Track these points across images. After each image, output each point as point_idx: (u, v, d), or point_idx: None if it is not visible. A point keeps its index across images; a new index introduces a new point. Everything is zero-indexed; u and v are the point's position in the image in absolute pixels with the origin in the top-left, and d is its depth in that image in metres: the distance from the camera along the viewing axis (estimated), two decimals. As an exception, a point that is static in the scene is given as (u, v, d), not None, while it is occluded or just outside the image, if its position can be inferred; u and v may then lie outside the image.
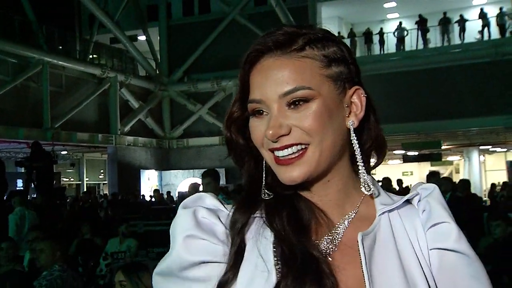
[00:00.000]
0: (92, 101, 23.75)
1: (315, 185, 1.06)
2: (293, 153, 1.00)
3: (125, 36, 22.88)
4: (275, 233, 1.00)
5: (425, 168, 26.08)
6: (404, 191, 13.08)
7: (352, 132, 1.05)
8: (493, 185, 19.70)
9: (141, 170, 24.78)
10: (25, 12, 21.73)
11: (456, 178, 19.72)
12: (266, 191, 1.08)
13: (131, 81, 24.81)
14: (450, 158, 29.75)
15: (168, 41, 26.76)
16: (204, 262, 1.02)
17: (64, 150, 24.20)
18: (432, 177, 10.39)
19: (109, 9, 22.99)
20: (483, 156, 28.95)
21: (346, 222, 1.05)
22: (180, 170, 25.04)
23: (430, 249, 1.04)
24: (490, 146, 27.76)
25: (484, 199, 19.15)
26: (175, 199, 20.13)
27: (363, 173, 1.06)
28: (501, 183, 20.59)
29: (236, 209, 1.07)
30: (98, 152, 26.15)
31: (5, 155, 18.76)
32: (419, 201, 1.10)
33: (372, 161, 1.16)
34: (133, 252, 7.31)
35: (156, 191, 20.01)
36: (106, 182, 27.22)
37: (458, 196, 9.54)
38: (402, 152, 25.56)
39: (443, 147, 24.94)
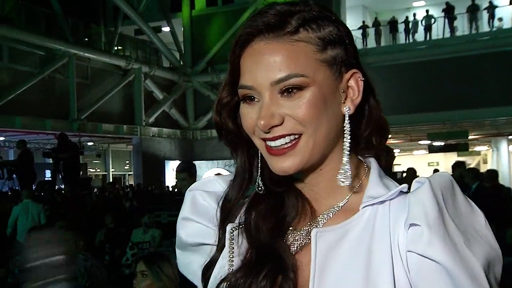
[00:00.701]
0: (117, 93, 23.94)
1: (307, 174, 1.03)
2: (286, 143, 0.97)
3: (149, 27, 23.00)
4: (246, 227, 1.02)
5: (452, 158, 25.78)
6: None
7: (346, 118, 1.00)
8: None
9: (165, 161, 24.94)
10: (51, 4, 21.88)
11: (483, 169, 19.59)
12: (260, 182, 1.06)
13: (155, 73, 24.94)
14: (477, 148, 29.45)
15: (192, 32, 26.81)
16: (199, 244, 1.09)
17: (90, 141, 24.52)
18: (457, 167, 10.32)
19: (133, 1, 23.08)
20: (512, 146, 28.68)
21: (330, 214, 1.03)
22: (204, 161, 25.12)
23: (407, 251, 0.95)
24: (518, 136, 27.34)
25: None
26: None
27: (346, 164, 0.99)
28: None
29: (227, 193, 1.09)
30: (123, 143, 26.43)
31: (33, 146, 19.03)
32: (411, 192, 1.00)
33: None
34: (157, 242, 7.38)
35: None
36: (131, 173, 27.52)
37: (485, 187, 9.43)
38: (428, 142, 25.36)
39: (470, 137, 24.68)
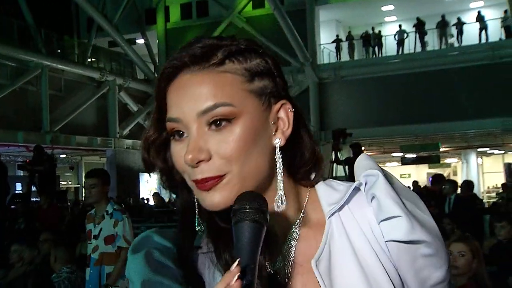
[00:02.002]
0: (91, 105, 23.84)
1: None
2: (213, 179, 0.92)
3: (123, 39, 22.97)
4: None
5: (423, 170, 26.26)
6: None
7: (277, 151, 0.96)
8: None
9: (140, 173, 24.82)
10: (23, 16, 21.78)
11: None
12: (200, 221, 1.00)
13: (129, 85, 24.92)
14: (448, 161, 29.73)
15: (167, 45, 26.83)
16: None
17: (63, 154, 24.28)
18: (438, 182, 10.54)
19: (108, 12, 23.08)
20: (481, 158, 29.07)
21: (295, 238, 1.01)
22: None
23: (386, 241, 0.97)
24: (488, 149, 27.84)
25: (485, 200, 19.24)
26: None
27: (280, 191, 0.95)
28: (498, 185, 20.63)
29: (179, 246, 1.01)
30: (97, 155, 26.22)
31: (4, 159, 18.80)
32: (365, 187, 1.01)
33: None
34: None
35: (155, 194, 20.14)
36: (105, 185, 27.27)
37: (463, 197, 9.65)
38: (400, 154, 25.67)
39: (441, 149, 24.95)
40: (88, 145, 23.72)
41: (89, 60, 25.48)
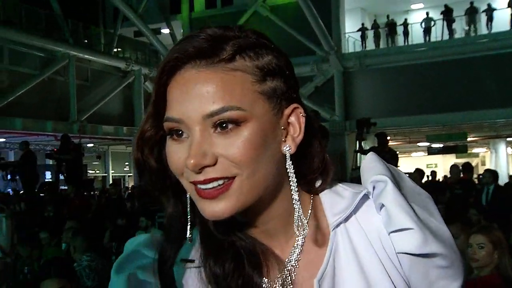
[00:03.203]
0: (116, 94, 24.17)
1: (255, 214, 0.93)
2: (218, 185, 0.85)
3: (148, 29, 23.10)
4: None
5: (450, 160, 25.92)
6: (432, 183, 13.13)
7: (288, 159, 0.91)
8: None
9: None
10: (50, 6, 22.00)
11: (481, 171, 19.69)
12: (189, 232, 0.93)
13: (155, 74, 24.96)
14: (476, 150, 29.57)
15: (192, 34, 26.82)
16: None
17: (90, 143, 24.56)
18: (466, 169, 10.57)
19: (133, 2, 23.18)
20: (511, 148, 28.70)
21: (296, 252, 0.96)
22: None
23: (398, 253, 0.93)
24: (517, 138, 27.50)
25: None
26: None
27: (298, 208, 0.91)
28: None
29: (161, 258, 0.95)
30: (123, 144, 26.46)
31: (33, 148, 19.08)
32: (373, 194, 0.98)
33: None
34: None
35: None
36: (131, 174, 27.51)
37: (502, 187, 9.80)
38: (427, 144, 25.53)
39: (468, 139, 24.80)
40: (115, 135, 24.02)
41: (115, 50, 25.74)
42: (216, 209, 0.85)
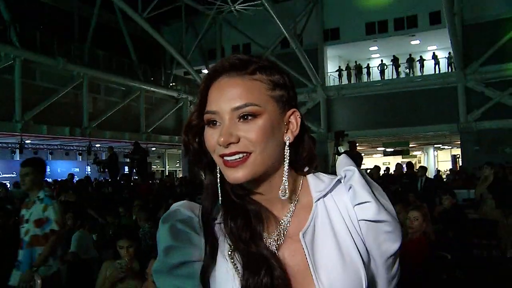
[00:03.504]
0: (171, 114, 24.32)
1: (261, 185, 0.91)
2: (239, 158, 0.85)
3: (193, 70, 23.23)
4: (232, 240, 0.88)
5: (398, 159, 25.81)
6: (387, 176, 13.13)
7: (287, 146, 0.90)
8: (437, 170, 19.65)
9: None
10: (129, 55, 22.22)
11: (417, 167, 19.60)
12: (220, 196, 0.91)
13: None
14: (415, 153, 29.34)
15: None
16: (184, 263, 0.88)
17: (153, 147, 24.69)
18: (410, 167, 10.56)
19: (183, 52, 23.36)
20: (436, 151, 28.61)
21: (289, 215, 0.92)
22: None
23: (359, 220, 0.91)
24: (441, 145, 27.33)
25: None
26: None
27: (285, 181, 0.90)
28: (447, 170, 20.58)
29: (203, 214, 0.93)
30: (175, 148, 26.53)
31: (116, 150, 19.28)
32: (345, 180, 0.93)
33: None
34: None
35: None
36: (180, 169, 27.54)
37: (430, 178, 9.92)
38: (383, 148, 25.34)
39: (410, 145, 24.79)
40: (169, 141, 24.10)
41: (171, 84, 25.76)
42: (237, 175, 0.85)
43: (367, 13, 22.89)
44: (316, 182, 0.95)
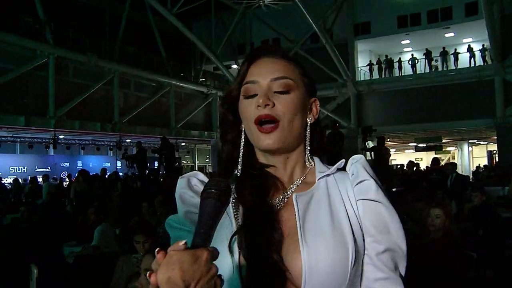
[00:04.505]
0: (201, 110, 24.41)
1: (278, 161, 0.98)
2: (272, 125, 0.93)
3: (223, 65, 23.34)
4: (240, 198, 0.93)
5: (431, 155, 25.21)
6: (417, 172, 12.84)
7: (308, 125, 0.99)
8: (477, 167, 19.15)
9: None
10: (159, 51, 22.46)
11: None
12: (240, 168, 0.98)
13: (227, 96, 25.14)
14: (448, 149, 28.71)
15: (252, 69, 26.82)
16: (192, 212, 0.92)
17: (183, 142, 24.95)
18: (435, 161, 10.29)
19: (213, 47, 23.48)
20: (471, 147, 27.87)
21: (294, 187, 0.98)
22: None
23: (357, 200, 0.94)
24: (476, 140, 26.69)
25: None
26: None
27: (308, 153, 1.00)
28: (480, 165, 20.09)
29: (217, 176, 0.95)
30: (205, 143, 26.77)
31: (146, 145, 19.56)
32: (351, 166, 0.99)
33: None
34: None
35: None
36: (210, 164, 27.79)
37: (461, 175, 9.75)
38: (415, 144, 24.84)
39: (443, 141, 24.17)
40: (199, 137, 24.29)
41: (201, 79, 25.95)
42: (269, 141, 0.93)
43: (399, 5, 22.44)
44: (321, 166, 1.01)
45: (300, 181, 0.99)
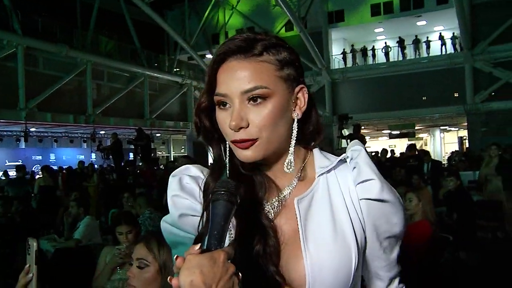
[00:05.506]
0: (176, 100, 24.19)
1: (269, 159, 0.92)
2: (248, 142, 0.86)
3: (197, 55, 23.13)
4: None
5: (404, 142, 25.69)
6: (392, 159, 13.09)
7: (295, 123, 0.90)
8: (451, 152, 19.57)
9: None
10: (133, 42, 22.10)
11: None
12: (228, 170, 0.93)
13: (202, 86, 24.94)
14: (421, 135, 29.24)
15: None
16: (186, 215, 0.93)
17: (158, 133, 24.73)
18: (411, 148, 10.51)
19: (187, 37, 23.23)
20: (443, 133, 28.44)
21: (291, 187, 0.93)
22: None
23: (360, 199, 0.90)
24: (447, 127, 27.21)
25: (445, 162, 19.01)
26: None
27: (290, 155, 0.91)
28: (454, 151, 20.63)
29: (207, 178, 0.94)
30: (180, 134, 26.56)
31: (121, 137, 19.31)
32: (351, 160, 0.94)
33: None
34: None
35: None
36: (186, 154, 27.61)
37: (437, 161, 10.13)
38: (389, 131, 25.22)
39: (416, 128, 24.58)
40: (174, 127, 24.08)
41: (175, 69, 25.66)
42: (247, 155, 0.86)
43: (372, -6, 22.64)
44: (321, 159, 0.95)
45: (297, 180, 0.94)
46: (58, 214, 6.24)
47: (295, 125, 0.90)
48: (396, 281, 0.98)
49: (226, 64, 0.88)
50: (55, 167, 15.36)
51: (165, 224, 0.97)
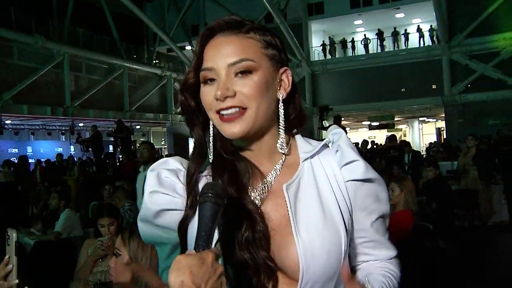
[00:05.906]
0: (155, 92, 24.01)
1: (251, 142, 0.92)
2: (235, 112, 0.86)
3: (177, 47, 22.90)
4: None
5: (383, 133, 26.02)
6: (373, 150, 13.24)
7: (281, 102, 0.92)
8: (430, 143, 19.90)
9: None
10: (112, 34, 21.78)
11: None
12: (211, 153, 0.93)
13: (181, 77, 24.80)
14: (400, 126, 29.61)
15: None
16: (166, 210, 0.91)
17: (138, 125, 24.51)
18: (391, 139, 10.64)
19: (166, 29, 22.97)
20: (421, 124, 28.79)
21: (274, 172, 0.93)
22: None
23: (346, 181, 0.92)
24: (426, 118, 27.50)
25: (423, 153, 19.31)
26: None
27: (282, 135, 0.93)
28: (432, 142, 20.93)
29: (189, 165, 0.93)
30: (160, 126, 26.38)
31: (100, 129, 19.04)
32: (333, 143, 0.96)
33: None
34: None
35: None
36: (166, 147, 27.47)
37: (418, 152, 10.48)
38: (368, 122, 25.44)
39: (395, 119, 24.84)
40: (154, 119, 23.89)
41: (154, 61, 25.41)
42: (234, 130, 0.86)
43: (351, -14, 22.69)
44: (304, 144, 0.96)
45: (281, 165, 0.94)
46: (37, 208, 6.12)
47: (281, 105, 0.91)
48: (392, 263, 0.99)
49: (213, 40, 0.89)
50: (32, 160, 15.09)
51: (141, 224, 0.94)
